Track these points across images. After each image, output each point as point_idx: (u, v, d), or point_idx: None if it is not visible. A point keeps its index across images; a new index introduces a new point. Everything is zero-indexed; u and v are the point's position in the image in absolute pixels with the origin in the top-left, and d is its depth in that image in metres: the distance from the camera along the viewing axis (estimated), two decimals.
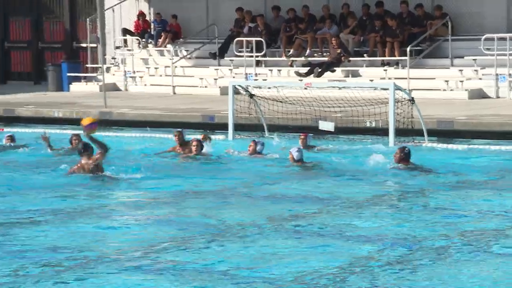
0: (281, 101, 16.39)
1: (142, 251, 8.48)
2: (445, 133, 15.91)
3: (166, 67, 23.56)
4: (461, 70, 20.51)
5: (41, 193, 11.44)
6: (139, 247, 8.64)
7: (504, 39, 19.79)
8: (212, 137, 15.89)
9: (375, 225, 9.47)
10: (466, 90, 19.85)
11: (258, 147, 13.79)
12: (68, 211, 10.33)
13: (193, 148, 13.89)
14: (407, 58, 20.31)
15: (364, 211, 10.25)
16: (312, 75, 21.26)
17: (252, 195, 11.36)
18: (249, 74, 22.22)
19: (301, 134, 14.66)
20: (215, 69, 23.07)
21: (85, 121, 12.46)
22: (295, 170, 12.85)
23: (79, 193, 11.43)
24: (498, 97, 19.79)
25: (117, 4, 25.13)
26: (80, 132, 15.83)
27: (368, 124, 16.18)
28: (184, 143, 14.17)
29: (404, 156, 12.50)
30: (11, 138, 15.30)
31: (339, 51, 21.48)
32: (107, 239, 9.02)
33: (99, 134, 17.12)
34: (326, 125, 15.28)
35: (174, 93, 22.57)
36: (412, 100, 15.38)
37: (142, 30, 24.71)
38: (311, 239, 8.91)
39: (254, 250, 8.47)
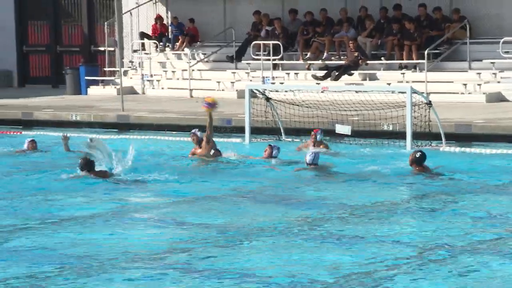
0: (297, 105, 16.37)
1: (161, 254, 8.50)
2: (463, 136, 15.83)
3: (183, 70, 23.60)
4: (479, 73, 20.41)
5: (59, 196, 11.49)
6: (157, 250, 8.66)
7: None
8: (230, 140, 15.92)
9: (386, 230, 9.45)
10: (484, 93, 19.76)
11: (274, 152, 13.78)
12: (87, 215, 10.35)
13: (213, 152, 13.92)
14: (424, 61, 20.24)
15: (376, 215, 10.21)
16: (329, 78, 21.23)
17: (268, 199, 11.34)
18: (266, 77, 22.21)
19: (313, 130, 14.69)
20: (232, 73, 23.08)
21: (208, 100, 13.60)
22: (309, 174, 12.80)
23: (96, 196, 11.47)
24: None
25: (135, 7, 25.21)
26: (97, 136, 15.90)
27: (385, 128, 16.13)
28: (200, 142, 14.24)
29: (416, 160, 12.42)
30: (34, 143, 15.23)
31: (356, 54, 21.43)
32: (125, 243, 9.02)
33: (116, 138, 17.33)
34: (343, 129, 15.25)
35: (191, 96, 22.59)
36: (429, 104, 15.33)
37: (160, 34, 24.76)
38: (329, 243, 8.90)
39: (274, 254, 8.47)
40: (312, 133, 14.52)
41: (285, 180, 12.46)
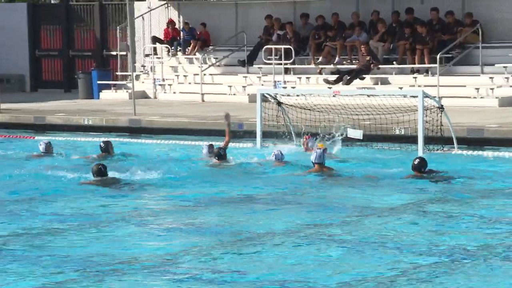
0: (309, 109, 16.33)
1: (170, 259, 8.51)
2: (475, 141, 15.77)
3: (195, 74, 23.61)
4: (491, 78, 20.35)
5: (71, 200, 11.50)
6: (165, 255, 8.67)
7: None
8: (241, 145, 15.90)
9: (390, 234, 9.46)
10: (496, 97, 19.69)
11: (280, 155, 13.79)
12: (95, 219, 10.37)
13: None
14: (437, 65, 20.18)
15: (379, 219, 10.21)
16: (341, 82, 21.20)
17: (276, 203, 11.34)
18: (278, 81, 22.19)
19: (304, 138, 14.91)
20: (243, 77, 23.08)
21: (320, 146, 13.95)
22: (317, 177, 12.78)
23: (104, 201, 11.48)
24: None
25: (147, 12, 25.25)
26: (108, 138, 15.89)
27: (397, 132, 16.08)
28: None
29: (415, 166, 12.40)
30: (50, 146, 15.16)
31: (368, 58, 21.40)
32: (135, 247, 9.02)
33: (127, 141, 17.35)
34: (355, 133, 15.22)
35: (203, 100, 22.60)
36: (441, 108, 15.28)
37: (172, 38, 24.79)
38: (340, 248, 8.91)
39: (283, 259, 8.46)
40: (303, 140, 14.79)
41: (294, 184, 12.45)
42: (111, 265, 8.29)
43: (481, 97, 19.87)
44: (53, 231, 9.77)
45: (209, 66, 23.87)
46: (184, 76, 24.04)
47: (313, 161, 12.90)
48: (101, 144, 14.83)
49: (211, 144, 14.45)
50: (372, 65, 21.42)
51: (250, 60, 23.31)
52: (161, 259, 8.50)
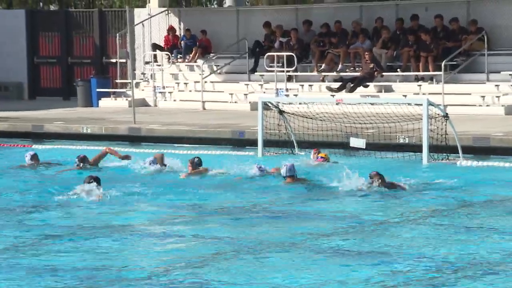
0: (311, 118, 16.12)
1: (165, 270, 8.40)
2: (481, 150, 15.55)
3: (195, 82, 23.40)
4: (497, 85, 20.15)
5: (67, 210, 11.37)
6: (159, 266, 8.55)
7: None
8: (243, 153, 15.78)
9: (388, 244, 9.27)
10: (502, 105, 19.53)
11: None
12: (89, 229, 10.24)
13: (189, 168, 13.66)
14: (441, 73, 19.96)
15: (379, 230, 10.05)
16: (344, 90, 20.99)
17: (254, 214, 11.22)
18: (280, 89, 21.98)
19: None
20: (245, 84, 22.86)
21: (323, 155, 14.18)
22: (287, 188, 12.62)
23: (97, 209, 11.33)
24: None
25: (147, 19, 25.07)
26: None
27: (401, 141, 15.91)
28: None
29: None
30: (36, 157, 14.93)
31: (371, 66, 21.20)
32: (128, 257, 8.96)
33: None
34: (357, 142, 15.04)
35: (204, 108, 22.38)
36: (446, 116, 15.06)
37: (172, 45, 24.58)
38: (337, 258, 8.80)
39: (274, 268, 8.38)
40: (313, 153, 14.72)
41: (268, 194, 12.36)
42: (101, 277, 8.17)
43: (487, 105, 19.67)
44: (42, 243, 9.65)
45: (210, 73, 23.66)
46: (185, 83, 23.83)
47: (284, 175, 12.65)
48: (76, 160, 14.38)
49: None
50: (375, 73, 21.22)
51: (253, 68, 23.09)
52: (147, 271, 8.37)
